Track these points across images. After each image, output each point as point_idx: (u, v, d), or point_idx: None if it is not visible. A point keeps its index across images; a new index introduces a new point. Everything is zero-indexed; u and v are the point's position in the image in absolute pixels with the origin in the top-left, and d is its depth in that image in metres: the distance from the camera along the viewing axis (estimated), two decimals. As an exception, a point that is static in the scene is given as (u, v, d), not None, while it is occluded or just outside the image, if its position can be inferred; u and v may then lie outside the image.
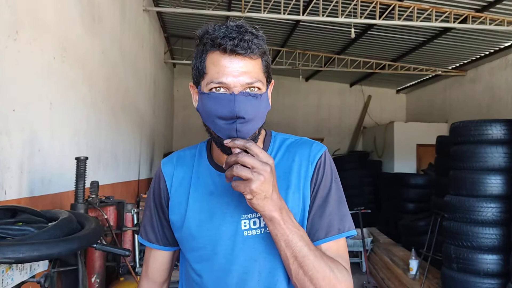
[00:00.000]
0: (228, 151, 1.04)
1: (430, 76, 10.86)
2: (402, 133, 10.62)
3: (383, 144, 11.19)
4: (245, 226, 1.10)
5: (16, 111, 2.32)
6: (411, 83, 12.22)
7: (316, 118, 12.96)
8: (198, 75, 1.06)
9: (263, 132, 1.22)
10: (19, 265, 1.49)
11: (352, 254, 6.91)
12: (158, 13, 7.96)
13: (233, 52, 1.00)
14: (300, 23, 8.07)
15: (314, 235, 1.11)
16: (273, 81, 1.14)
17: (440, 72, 10.01)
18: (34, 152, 2.59)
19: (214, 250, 1.11)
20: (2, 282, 1.39)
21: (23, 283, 1.55)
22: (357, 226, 6.34)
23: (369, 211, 6.27)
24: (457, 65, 9.76)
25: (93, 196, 2.45)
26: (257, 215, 1.10)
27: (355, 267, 6.88)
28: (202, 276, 1.13)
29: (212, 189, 1.15)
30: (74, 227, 1.64)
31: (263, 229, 1.09)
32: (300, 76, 10.86)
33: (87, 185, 2.42)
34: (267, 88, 1.09)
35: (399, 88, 13.10)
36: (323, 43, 9.33)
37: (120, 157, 5.09)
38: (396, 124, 10.80)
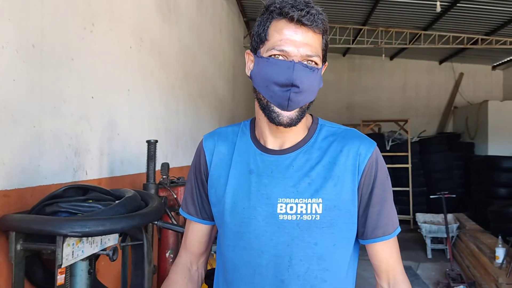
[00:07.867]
0: (275, 120, 1.07)
1: (531, 49, 9.87)
2: (497, 113, 9.81)
3: (475, 125, 10.44)
4: (281, 209, 1.10)
5: (95, 98, 2.52)
6: (509, 58, 11.19)
7: (402, 98, 12.38)
8: (259, 41, 1.10)
9: (309, 118, 1.22)
10: (89, 238, 1.65)
11: (436, 240, 6.63)
12: (237, -2, 8.07)
13: (299, 22, 1.04)
14: (381, -1, 7.72)
15: (372, 232, 1.14)
16: (327, 63, 1.16)
17: (543, 44, 9.06)
18: (114, 136, 2.80)
19: (248, 229, 1.13)
20: (73, 254, 1.55)
21: (93, 255, 1.71)
22: (441, 211, 6.05)
23: (454, 195, 5.91)
24: None
25: (164, 177, 2.60)
26: (294, 201, 1.09)
27: (440, 254, 6.58)
28: (235, 253, 1.15)
29: (252, 168, 1.16)
30: (137, 205, 1.77)
31: (299, 216, 1.09)
32: (383, 55, 10.42)
33: (158, 167, 2.57)
34: (322, 66, 1.11)
35: (495, 64, 12.06)
36: (407, 19, 8.85)
37: (199, 141, 5.29)
38: (491, 103, 10.01)
